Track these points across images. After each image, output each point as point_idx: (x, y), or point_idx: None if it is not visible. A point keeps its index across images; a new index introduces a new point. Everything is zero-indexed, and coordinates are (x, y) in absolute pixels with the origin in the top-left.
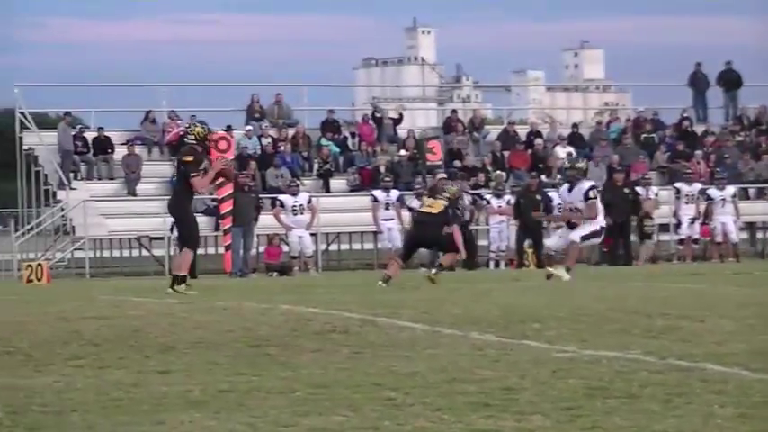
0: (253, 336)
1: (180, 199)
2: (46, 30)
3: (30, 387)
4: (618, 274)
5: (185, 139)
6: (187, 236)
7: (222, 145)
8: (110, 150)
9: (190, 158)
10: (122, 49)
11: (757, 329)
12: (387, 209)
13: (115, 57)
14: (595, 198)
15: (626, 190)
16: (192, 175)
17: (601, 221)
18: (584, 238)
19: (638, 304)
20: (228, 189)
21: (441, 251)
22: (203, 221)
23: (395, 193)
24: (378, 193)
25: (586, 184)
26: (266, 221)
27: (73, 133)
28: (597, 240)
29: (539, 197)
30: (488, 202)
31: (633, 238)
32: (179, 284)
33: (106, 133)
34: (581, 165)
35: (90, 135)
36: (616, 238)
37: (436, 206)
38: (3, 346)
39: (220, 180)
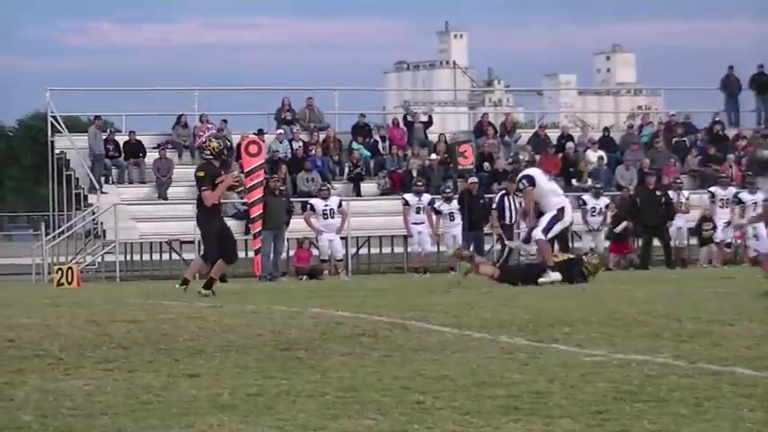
0: (282, 339)
1: (199, 211)
2: (84, 35)
3: (59, 390)
4: (647, 279)
5: (202, 155)
6: (205, 247)
7: (253, 149)
8: (141, 154)
9: (202, 173)
10: (155, 52)
11: None
12: (417, 213)
13: (148, 61)
14: (525, 187)
15: (658, 193)
16: (202, 189)
17: (556, 204)
18: (546, 230)
19: (668, 308)
20: (259, 193)
21: None
22: (233, 225)
23: (426, 197)
24: (409, 197)
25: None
26: (296, 225)
27: (104, 137)
28: (560, 225)
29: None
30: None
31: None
32: (182, 284)
33: (137, 137)
34: (522, 157)
35: (121, 139)
36: (650, 241)
37: None
38: (33, 350)
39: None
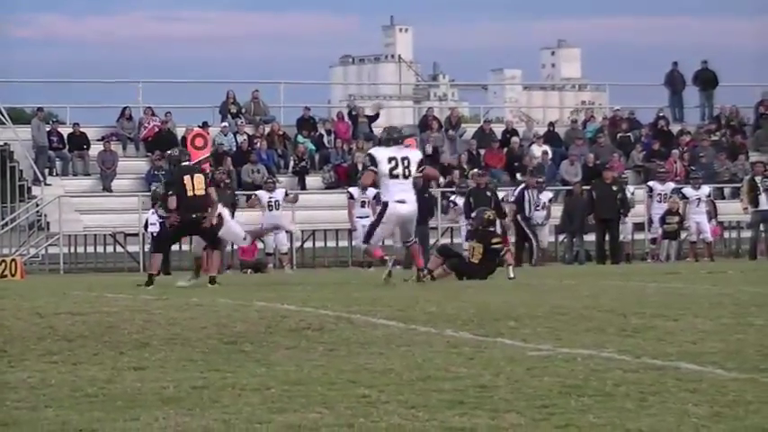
0: (227, 333)
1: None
2: (28, 26)
3: (3, 382)
4: (594, 273)
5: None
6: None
7: (199, 142)
8: (85, 146)
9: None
10: (100, 45)
11: (732, 328)
12: (363, 206)
13: (93, 54)
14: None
15: (614, 187)
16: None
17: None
18: (366, 238)
19: (613, 303)
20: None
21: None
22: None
23: (371, 191)
24: (354, 191)
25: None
26: (241, 218)
27: (48, 129)
28: (381, 232)
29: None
30: (455, 204)
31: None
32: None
33: (81, 129)
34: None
35: (65, 131)
36: (604, 235)
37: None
38: None
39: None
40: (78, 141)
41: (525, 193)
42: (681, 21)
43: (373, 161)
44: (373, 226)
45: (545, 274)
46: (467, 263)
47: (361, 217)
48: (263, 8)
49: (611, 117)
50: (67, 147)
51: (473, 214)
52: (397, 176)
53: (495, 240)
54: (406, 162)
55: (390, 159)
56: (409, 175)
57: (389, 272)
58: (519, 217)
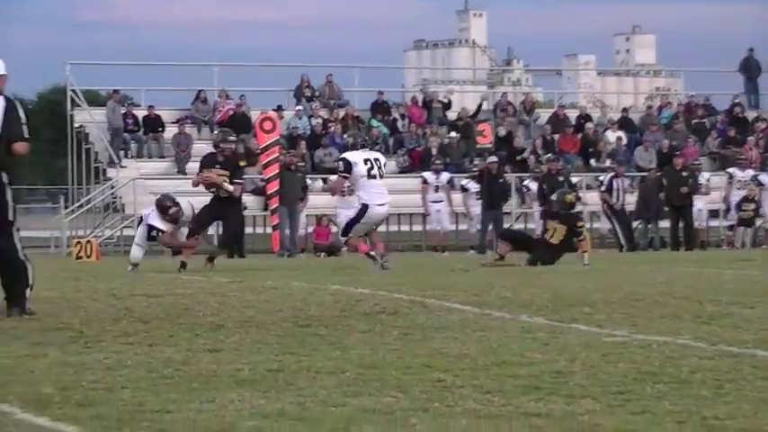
0: (302, 316)
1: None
2: (103, 9)
3: (80, 363)
4: (669, 259)
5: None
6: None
7: (267, 125)
8: (160, 129)
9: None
10: (175, 28)
11: None
12: (436, 191)
13: (168, 36)
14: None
15: (684, 173)
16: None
17: (357, 202)
18: (345, 230)
19: (689, 290)
20: (275, 169)
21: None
22: (252, 201)
23: (445, 176)
24: (428, 175)
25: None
26: (315, 201)
27: (123, 111)
28: (357, 230)
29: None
30: (528, 189)
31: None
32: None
33: (156, 112)
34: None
35: (140, 113)
36: (677, 221)
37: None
38: (53, 323)
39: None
40: (153, 124)
41: (614, 181)
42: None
43: (348, 166)
44: (351, 223)
45: (620, 261)
46: (544, 243)
47: (434, 201)
48: None
49: (686, 103)
50: (142, 129)
51: (553, 196)
52: (374, 177)
53: (579, 224)
54: (378, 163)
55: (366, 161)
56: (383, 175)
57: (381, 264)
58: (606, 206)
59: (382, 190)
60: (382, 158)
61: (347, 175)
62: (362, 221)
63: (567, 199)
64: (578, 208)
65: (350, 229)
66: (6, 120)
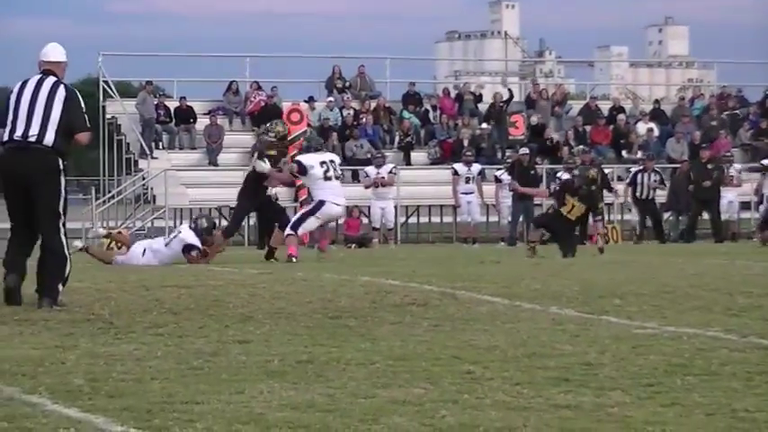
0: (332, 307)
1: (246, 186)
2: (135, 1)
3: (110, 354)
4: (700, 251)
5: (266, 136)
6: (230, 221)
7: (295, 117)
8: (191, 120)
9: (274, 152)
10: (207, 20)
11: None
12: (467, 182)
13: (200, 28)
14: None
15: (710, 166)
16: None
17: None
18: (294, 227)
19: (719, 282)
20: None
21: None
22: (283, 192)
23: (476, 167)
24: (459, 167)
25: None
26: (349, 193)
27: (154, 102)
28: (308, 225)
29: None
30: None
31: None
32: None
33: (188, 103)
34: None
35: (172, 105)
36: (699, 213)
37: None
38: (84, 314)
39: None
40: (185, 115)
41: (638, 176)
42: None
43: (303, 169)
44: (303, 217)
45: (650, 252)
46: (561, 217)
47: (465, 193)
48: None
49: (718, 94)
50: (174, 120)
51: (575, 172)
52: (330, 178)
53: (600, 204)
54: (333, 165)
55: (322, 163)
56: (339, 176)
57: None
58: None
59: (339, 191)
60: (337, 160)
61: (302, 177)
62: (316, 216)
63: (589, 174)
64: (610, 199)
65: (301, 222)
66: (65, 108)
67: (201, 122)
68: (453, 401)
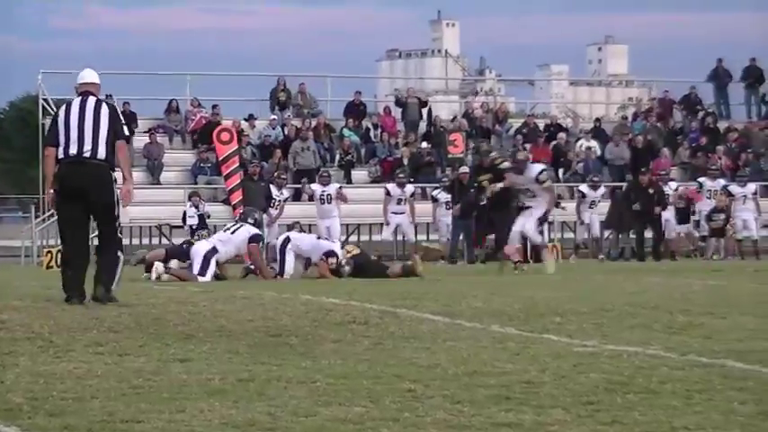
0: (273, 325)
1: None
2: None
3: (50, 373)
4: (638, 269)
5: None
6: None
7: (225, 136)
8: (134, 125)
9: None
10: (147, 36)
11: None
12: (399, 204)
13: (140, 44)
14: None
15: (651, 190)
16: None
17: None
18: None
19: (659, 300)
20: (236, 179)
21: None
22: (220, 210)
23: (409, 188)
24: (391, 188)
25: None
26: (290, 211)
27: None
28: None
29: None
30: None
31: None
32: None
33: (132, 110)
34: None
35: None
36: (643, 232)
37: None
38: (23, 332)
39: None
40: (127, 120)
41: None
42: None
43: None
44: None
45: (591, 270)
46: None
47: (395, 213)
48: (310, 2)
49: (660, 98)
50: None
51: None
52: None
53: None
54: None
55: None
56: None
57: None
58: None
59: None
60: None
61: None
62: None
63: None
64: (553, 216)
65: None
66: (111, 123)
67: (141, 140)
68: (394, 420)
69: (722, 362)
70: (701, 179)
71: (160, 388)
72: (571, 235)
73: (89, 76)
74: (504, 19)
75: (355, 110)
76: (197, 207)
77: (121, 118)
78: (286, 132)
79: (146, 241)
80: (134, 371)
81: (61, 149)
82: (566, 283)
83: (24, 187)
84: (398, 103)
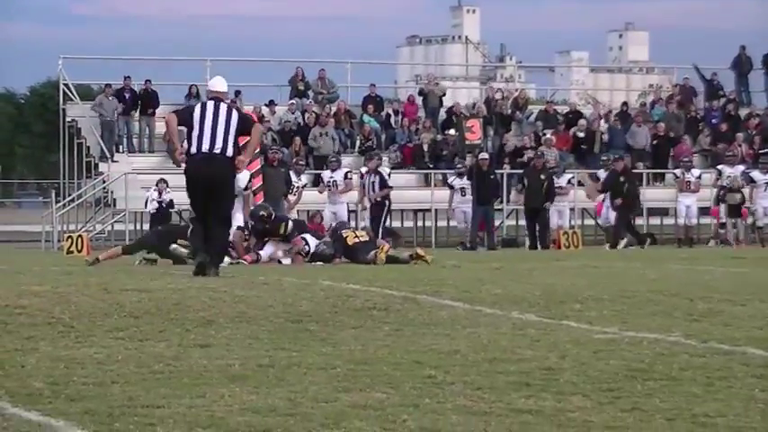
0: (293, 311)
1: None
2: (100, 3)
3: (70, 358)
4: (660, 257)
5: None
6: None
7: None
8: (155, 106)
9: None
10: (170, 22)
11: None
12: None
13: (162, 31)
14: None
15: (542, 176)
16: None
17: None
18: None
19: (680, 287)
20: (256, 165)
21: None
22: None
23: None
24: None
25: None
26: (308, 197)
27: (120, 86)
28: None
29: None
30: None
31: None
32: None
33: (153, 87)
34: None
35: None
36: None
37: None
38: (44, 317)
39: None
40: (149, 98)
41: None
42: (750, 3)
43: None
44: None
45: (610, 257)
46: None
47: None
48: None
49: (681, 85)
50: (138, 107)
51: None
52: None
53: None
54: None
55: None
56: None
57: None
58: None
59: None
60: None
61: None
62: None
63: None
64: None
65: None
66: (239, 126)
67: (162, 126)
68: (414, 406)
69: (743, 349)
70: (720, 166)
71: (180, 373)
72: (590, 222)
73: (219, 84)
74: (524, 5)
75: (372, 101)
76: (160, 194)
77: (246, 117)
78: (306, 119)
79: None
80: (154, 356)
81: (194, 145)
82: (586, 270)
83: (45, 173)
84: (421, 92)
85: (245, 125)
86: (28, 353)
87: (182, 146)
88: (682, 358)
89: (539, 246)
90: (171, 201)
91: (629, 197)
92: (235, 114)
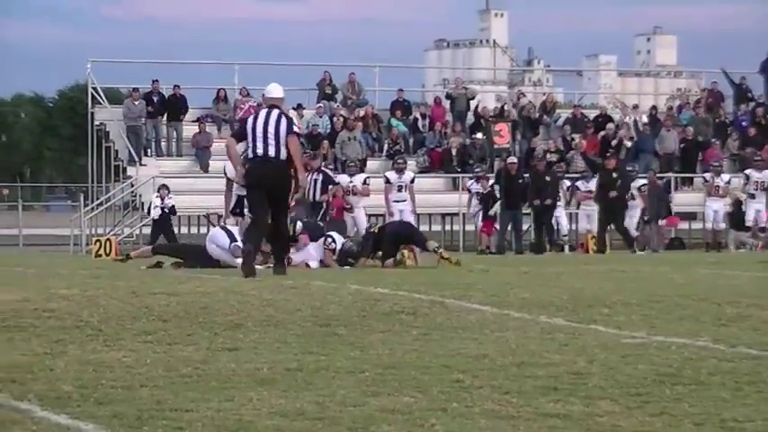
0: (321, 315)
1: None
2: (122, 6)
3: (99, 361)
4: (688, 261)
5: None
6: None
7: None
8: (183, 111)
9: None
10: (198, 26)
11: None
12: (399, 191)
13: (190, 35)
14: None
15: (614, 174)
16: None
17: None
18: None
19: (708, 292)
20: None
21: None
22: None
23: (408, 175)
24: (390, 175)
25: None
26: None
27: (148, 90)
28: None
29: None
30: (577, 188)
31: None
32: None
33: (181, 92)
34: None
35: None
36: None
37: None
38: (73, 321)
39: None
40: (177, 104)
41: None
42: None
43: None
44: None
45: (638, 262)
46: None
47: (397, 201)
48: None
49: (709, 89)
50: (167, 112)
51: None
52: None
53: None
54: None
55: None
56: None
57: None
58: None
59: None
60: None
61: None
62: None
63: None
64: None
65: None
66: (288, 131)
67: (190, 130)
68: (442, 410)
69: None
70: (748, 171)
71: (209, 377)
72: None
73: (275, 91)
74: (552, 9)
75: (400, 106)
76: (162, 200)
77: (293, 124)
78: (333, 123)
79: (194, 230)
80: (183, 360)
81: (250, 150)
82: (614, 274)
83: (74, 176)
84: (448, 96)
85: (290, 131)
86: (57, 356)
87: (243, 167)
88: (710, 363)
89: (548, 247)
90: (173, 206)
91: (621, 191)
92: (284, 120)
